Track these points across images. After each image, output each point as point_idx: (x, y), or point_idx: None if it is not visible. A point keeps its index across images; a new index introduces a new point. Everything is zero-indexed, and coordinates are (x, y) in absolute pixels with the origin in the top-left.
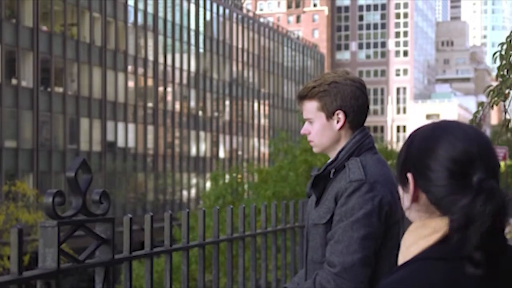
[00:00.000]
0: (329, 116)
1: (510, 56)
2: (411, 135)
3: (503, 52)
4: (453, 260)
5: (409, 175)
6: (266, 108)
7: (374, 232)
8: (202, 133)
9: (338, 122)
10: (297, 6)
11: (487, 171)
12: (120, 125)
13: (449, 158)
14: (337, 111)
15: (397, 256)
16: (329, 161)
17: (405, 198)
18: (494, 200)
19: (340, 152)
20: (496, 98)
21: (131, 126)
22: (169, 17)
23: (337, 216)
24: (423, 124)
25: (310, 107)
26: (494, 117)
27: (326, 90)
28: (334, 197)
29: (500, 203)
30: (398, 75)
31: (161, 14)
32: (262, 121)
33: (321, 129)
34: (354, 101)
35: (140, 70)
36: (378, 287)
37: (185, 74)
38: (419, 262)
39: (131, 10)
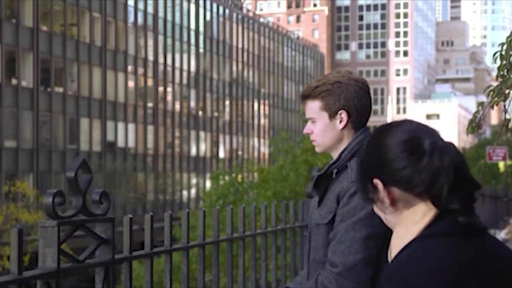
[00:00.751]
0: (332, 115)
1: (510, 56)
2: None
3: (503, 52)
4: (451, 235)
5: (376, 180)
6: (266, 108)
7: (376, 233)
8: (202, 133)
9: (341, 122)
10: (297, 6)
11: (436, 136)
12: (120, 125)
13: (398, 141)
14: (340, 111)
15: None
16: (331, 161)
17: (383, 204)
18: (449, 154)
19: (342, 152)
20: (496, 98)
21: (131, 126)
22: (169, 17)
23: (339, 216)
24: None
25: (313, 107)
26: (494, 117)
27: (329, 90)
28: (336, 197)
29: (455, 156)
30: (398, 75)
31: (161, 14)
32: (262, 121)
33: (323, 129)
34: (357, 101)
35: (140, 70)
36: (384, 271)
37: (185, 74)
38: (417, 243)
39: (131, 10)
